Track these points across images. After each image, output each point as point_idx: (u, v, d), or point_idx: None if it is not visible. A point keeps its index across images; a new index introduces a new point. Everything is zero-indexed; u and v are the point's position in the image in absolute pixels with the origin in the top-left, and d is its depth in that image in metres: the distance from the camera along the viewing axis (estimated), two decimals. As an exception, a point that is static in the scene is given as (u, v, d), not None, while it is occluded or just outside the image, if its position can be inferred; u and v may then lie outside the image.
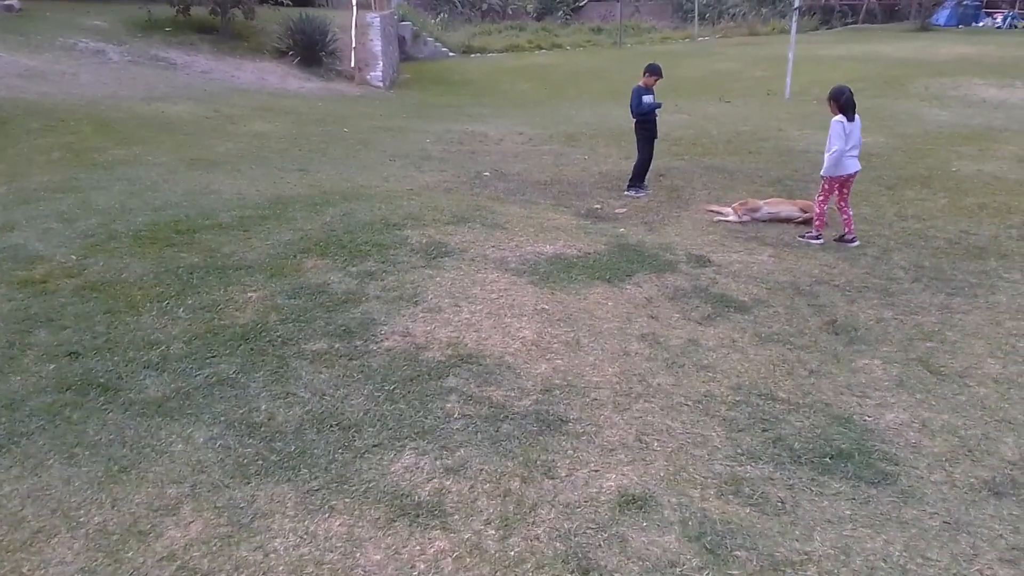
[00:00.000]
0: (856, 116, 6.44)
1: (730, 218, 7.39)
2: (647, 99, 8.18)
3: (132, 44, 16.59)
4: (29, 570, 2.70)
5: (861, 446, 3.65)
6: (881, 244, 6.68)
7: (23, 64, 13.35)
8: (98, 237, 5.98)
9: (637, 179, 8.46)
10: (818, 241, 6.72)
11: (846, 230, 6.72)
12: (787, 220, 7.32)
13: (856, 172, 6.60)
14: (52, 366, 4.08)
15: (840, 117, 6.39)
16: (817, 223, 6.78)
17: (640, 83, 8.18)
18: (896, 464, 3.53)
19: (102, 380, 3.95)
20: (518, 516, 3.05)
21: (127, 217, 6.49)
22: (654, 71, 8.17)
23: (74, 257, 5.56)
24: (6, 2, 17.06)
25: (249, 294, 5.03)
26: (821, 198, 6.73)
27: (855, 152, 6.52)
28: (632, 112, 8.27)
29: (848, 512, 3.17)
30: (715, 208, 7.68)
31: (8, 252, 5.59)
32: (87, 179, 7.73)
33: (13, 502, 3.04)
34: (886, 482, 3.39)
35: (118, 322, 4.60)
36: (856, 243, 6.65)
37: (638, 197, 8.28)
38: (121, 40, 16.62)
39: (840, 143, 6.38)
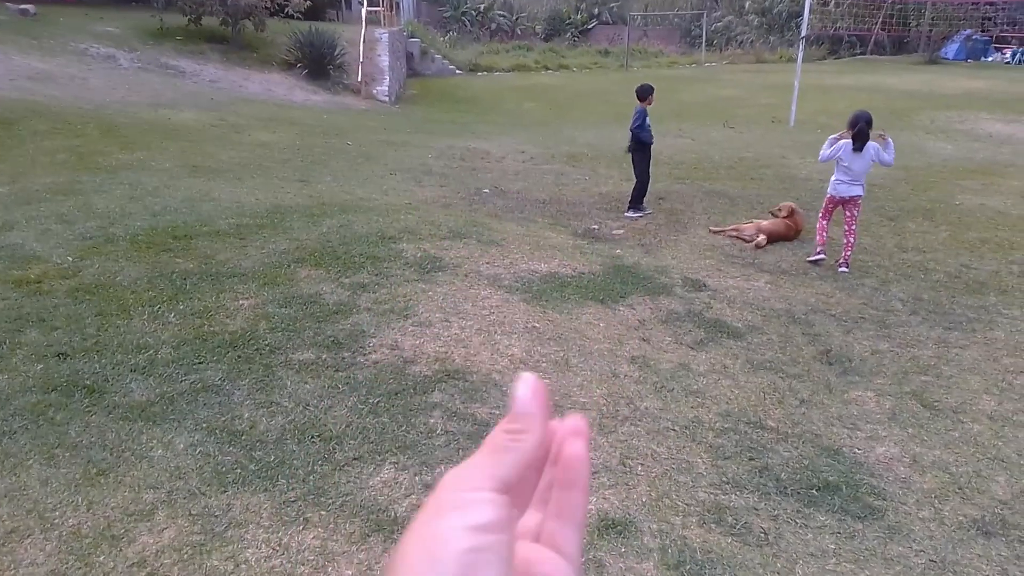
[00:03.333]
0: (866, 147, 6.50)
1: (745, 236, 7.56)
2: (648, 121, 8.21)
3: (143, 51, 16.70)
4: (0, 570, 2.67)
5: (849, 479, 3.61)
6: (880, 275, 6.65)
7: (34, 67, 13.43)
8: (96, 240, 5.98)
9: (636, 201, 8.46)
10: (817, 257, 6.83)
11: (843, 255, 6.77)
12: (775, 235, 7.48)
13: (853, 197, 6.65)
14: (40, 366, 4.06)
15: (845, 141, 6.54)
16: (818, 238, 6.89)
17: (644, 104, 8.22)
18: (884, 499, 3.48)
19: (88, 382, 3.93)
20: (495, 536, 3.00)
21: (126, 221, 6.49)
22: (649, 91, 8.20)
23: (70, 259, 5.56)
24: (21, 6, 17.22)
25: (241, 302, 5.02)
26: (821, 214, 6.93)
27: (851, 179, 6.59)
28: (633, 128, 8.24)
29: (832, 546, 3.12)
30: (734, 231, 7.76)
31: (5, 251, 5.59)
32: (90, 182, 7.75)
33: (-11, 501, 3.02)
34: (873, 517, 3.34)
35: (109, 325, 4.58)
36: (821, 259, 6.81)
37: (637, 219, 8.28)
38: (132, 47, 16.72)
39: (824, 152, 6.70)
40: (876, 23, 29.11)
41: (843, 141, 6.57)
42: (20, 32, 15.41)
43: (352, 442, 3.57)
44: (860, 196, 6.70)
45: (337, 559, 2.83)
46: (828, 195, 6.79)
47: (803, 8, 16.16)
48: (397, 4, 26.48)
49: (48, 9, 18.10)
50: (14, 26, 15.95)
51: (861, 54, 32.67)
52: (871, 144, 6.53)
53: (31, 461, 3.29)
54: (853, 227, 6.72)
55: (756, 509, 3.33)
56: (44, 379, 3.93)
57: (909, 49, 31.89)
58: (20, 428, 3.51)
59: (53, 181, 7.66)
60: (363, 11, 20.66)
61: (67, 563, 2.73)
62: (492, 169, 10.86)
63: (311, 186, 8.61)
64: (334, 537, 2.94)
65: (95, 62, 15.13)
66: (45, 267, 5.36)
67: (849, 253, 6.73)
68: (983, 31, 30.84)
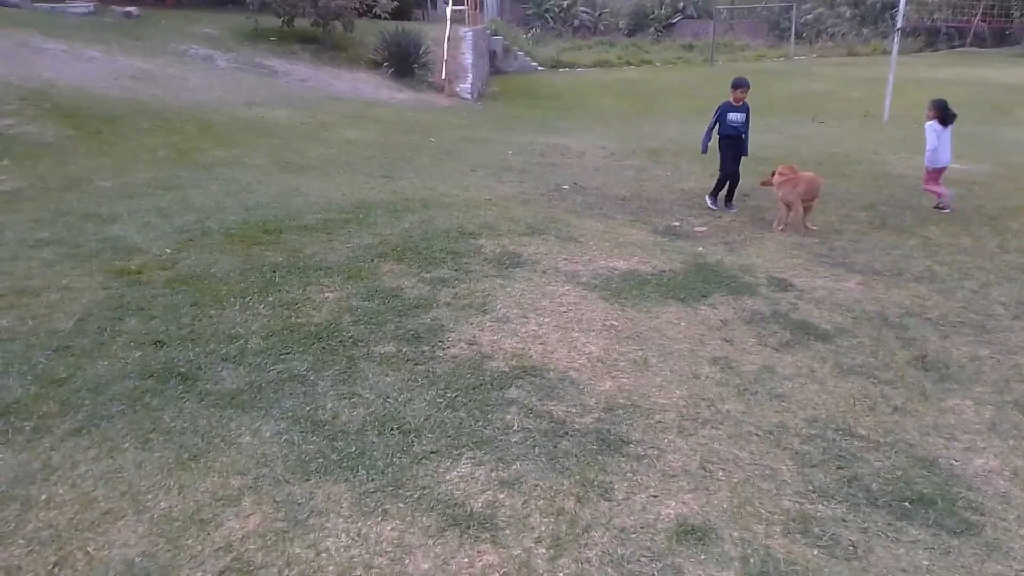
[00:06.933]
0: (950, 125, 8.11)
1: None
2: (732, 116, 8.07)
3: (239, 52, 17.34)
4: (94, 549, 2.80)
5: (945, 492, 3.43)
6: (980, 277, 6.31)
7: (137, 67, 14.10)
8: (192, 233, 6.23)
9: (713, 192, 8.46)
10: (946, 198, 8.21)
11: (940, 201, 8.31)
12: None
13: (948, 164, 8.29)
14: (138, 353, 4.25)
15: (933, 122, 8.01)
16: (938, 192, 8.29)
17: (730, 99, 8.07)
18: (982, 514, 3.30)
19: (183, 369, 4.09)
20: (570, 537, 2.98)
21: (221, 215, 6.75)
22: (740, 84, 8.05)
23: (168, 251, 5.80)
24: (125, 8, 18.12)
25: (326, 294, 5.14)
26: (929, 181, 8.41)
27: (947, 149, 8.17)
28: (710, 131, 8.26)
29: (925, 562, 2.97)
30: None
31: (109, 243, 5.88)
32: (188, 177, 8.09)
33: (87, 482, 3.17)
34: (969, 532, 3.17)
35: (203, 315, 4.76)
36: (947, 210, 8.18)
37: (713, 210, 8.20)
38: (228, 48, 17.39)
39: (932, 141, 8.09)
40: (976, 14, 27.63)
41: (930, 126, 8.05)
42: (124, 34, 16.21)
43: (430, 435, 3.61)
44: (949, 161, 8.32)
45: (414, 551, 2.86)
46: (935, 167, 8.17)
47: (899, -1, 15.49)
48: (481, 3, 26.69)
49: (150, 12, 19.02)
50: (118, 28, 16.79)
51: (960, 46, 31.14)
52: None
53: (127, 445, 3.44)
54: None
55: (844, 520, 3.20)
56: (142, 366, 4.11)
57: (1011, 41, 30.23)
58: (118, 413, 3.67)
59: (154, 176, 8.03)
60: (448, 10, 20.91)
61: (157, 545, 2.84)
62: (572, 165, 10.81)
63: (395, 182, 8.76)
64: (411, 530, 2.97)
65: (194, 62, 15.78)
66: (145, 258, 5.62)
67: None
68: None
